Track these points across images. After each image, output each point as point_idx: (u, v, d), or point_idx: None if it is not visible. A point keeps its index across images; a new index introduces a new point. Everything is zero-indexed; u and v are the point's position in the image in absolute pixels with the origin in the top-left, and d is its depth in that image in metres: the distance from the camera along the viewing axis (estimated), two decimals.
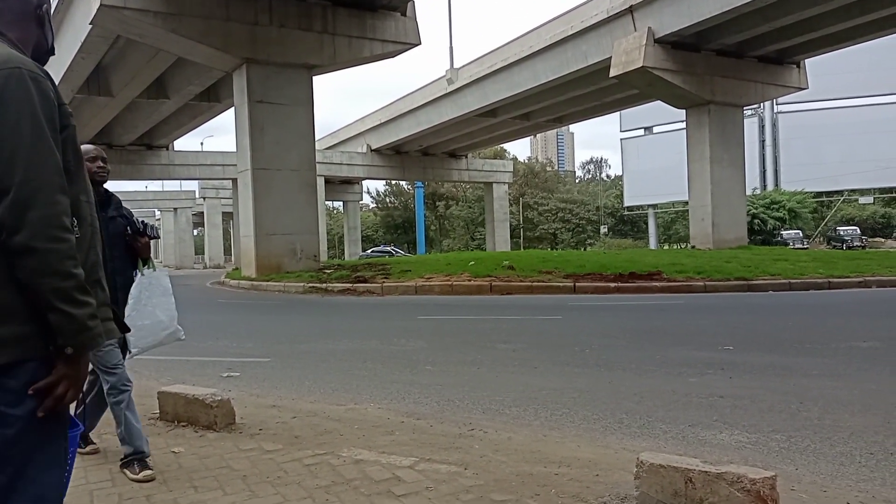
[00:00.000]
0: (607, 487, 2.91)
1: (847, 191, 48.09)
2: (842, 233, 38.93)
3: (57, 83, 1.63)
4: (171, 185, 61.15)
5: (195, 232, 70.60)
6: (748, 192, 31.07)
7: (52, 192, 1.31)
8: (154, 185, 61.80)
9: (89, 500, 2.84)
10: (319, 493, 2.88)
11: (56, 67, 23.60)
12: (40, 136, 1.32)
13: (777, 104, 47.47)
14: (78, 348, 1.33)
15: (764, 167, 50.72)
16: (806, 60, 26.13)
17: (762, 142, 50.49)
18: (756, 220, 37.39)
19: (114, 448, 3.57)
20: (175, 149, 41.11)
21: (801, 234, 37.51)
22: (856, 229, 39.84)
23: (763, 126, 50.63)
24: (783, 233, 37.16)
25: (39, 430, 1.33)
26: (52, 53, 1.65)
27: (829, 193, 47.92)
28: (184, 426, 4.00)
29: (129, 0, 17.42)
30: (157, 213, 66.94)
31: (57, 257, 1.29)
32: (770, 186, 48.42)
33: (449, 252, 42.20)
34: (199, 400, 4.00)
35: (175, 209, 60.37)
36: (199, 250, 67.63)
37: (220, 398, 4.01)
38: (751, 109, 41.32)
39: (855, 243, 35.62)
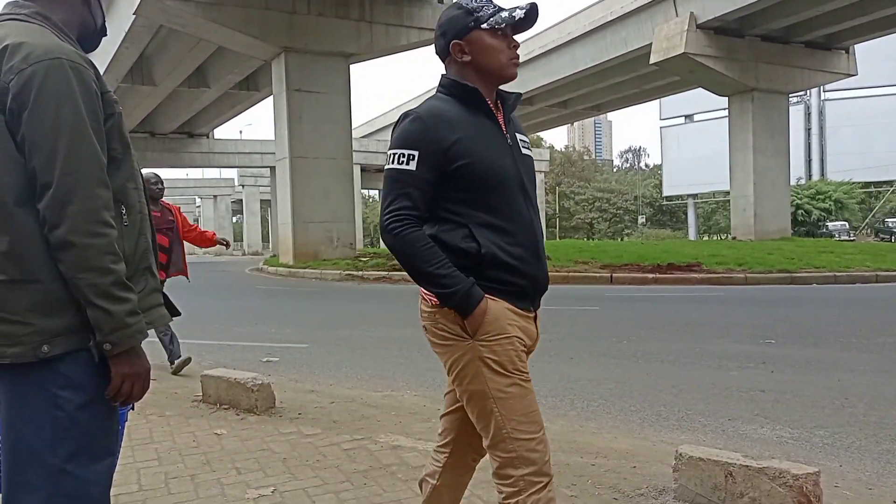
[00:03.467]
0: (645, 479, 2.89)
1: None
2: (891, 224, 37.56)
3: (102, 73, 1.59)
4: (211, 173, 62.19)
5: (234, 219, 71.85)
6: (792, 182, 30.27)
7: (92, 185, 1.30)
8: (194, 173, 63.11)
9: (136, 479, 2.93)
10: (357, 477, 2.92)
11: (101, 57, 24.16)
12: (81, 129, 1.31)
13: (824, 91, 45.94)
14: (116, 344, 1.32)
15: (809, 156, 49.23)
16: (855, 46, 25.23)
17: (808, 130, 48.99)
18: (800, 211, 36.36)
19: (158, 429, 3.68)
20: (215, 137, 41.78)
21: (847, 226, 36.36)
22: None
23: (809, 114, 49.10)
24: (829, 224, 36.07)
25: (93, 416, 1.36)
26: (104, 34, 1.61)
27: (877, 184, 46.28)
28: (226, 409, 4.10)
29: None
30: (198, 200, 68.22)
31: (95, 252, 1.29)
32: (815, 176, 47.00)
33: None
34: (241, 384, 4.09)
35: (215, 196, 61.43)
36: (238, 237, 68.82)
37: (260, 382, 4.09)
38: (796, 96, 40.09)
39: None
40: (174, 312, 1.60)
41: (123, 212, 1.42)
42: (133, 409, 1.66)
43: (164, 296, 1.55)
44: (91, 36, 1.58)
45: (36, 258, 1.30)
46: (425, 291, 1.80)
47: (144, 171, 5.65)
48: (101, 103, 1.39)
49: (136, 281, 1.41)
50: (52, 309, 1.31)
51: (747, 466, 2.45)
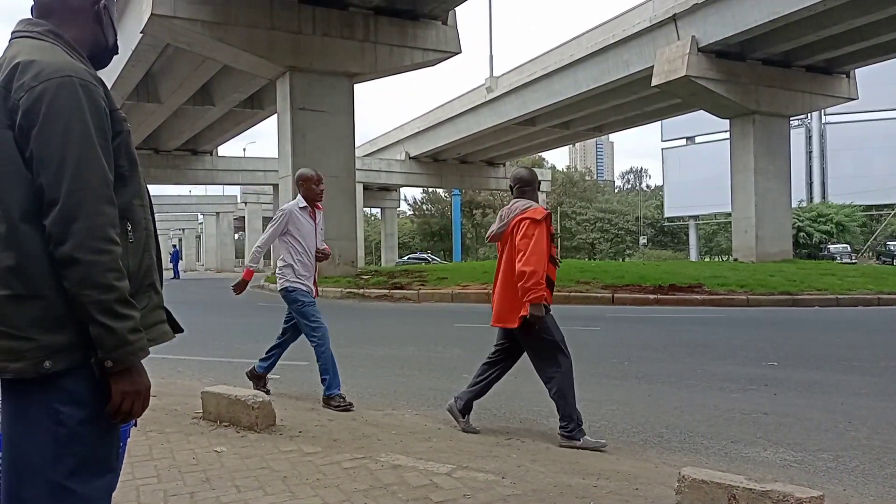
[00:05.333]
0: (647, 501, 2.87)
1: None
2: (892, 248, 37.57)
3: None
4: (214, 190, 62.39)
5: (236, 236, 71.91)
6: (794, 205, 30.32)
7: (98, 202, 1.31)
8: (198, 190, 62.97)
9: (136, 496, 2.92)
10: (358, 496, 2.90)
11: (107, 75, 24.35)
12: (89, 147, 1.32)
13: (825, 115, 46.20)
14: (117, 362, 1.32)
15: (811, 179, 49.39)
16: (856, 70, 25.42)
17: (809, 153, 49.20)
18: (801, 234, 36.39)
19: (158, 446, 3.67)
20: (219, 154, 41.99)
21: (849, 249, 36.33)
22: None
23: (810, 137, 49.35)
24: (830, 247, 36.05)
25: (94, 431, 1.36)
26: (116, 52, 1.63)
27: (878, 207, 46.32)
28: (226, 426, 4.07)
29: (178, 9, 17.92)
30: (200, 216, 68.37)
31: (99, 269, 1.29)
32: (817, 199, 47.11)
33: (485, 260, 42.13)
34: (241, 401, 4.07)
35: (217, 213, 61.57)
36: (240, 254, 68.88)
37: (261, 400, 4.08)
38: (798, 120, 40.34)
39: None
40: (177, 329, 1.61)
41: (129, 228, 1.42)
42: (136, 425, 1.66)
43: (168, 313, 1.56)
44: (103, 54, 1.60)
45: (41, 274, 1.30)
46: None
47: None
48: (109, 121, 1.40)
49: (139, 298, 1.41)
50: (55, 325, 1.31)
51: (751, 489, 2.43)
